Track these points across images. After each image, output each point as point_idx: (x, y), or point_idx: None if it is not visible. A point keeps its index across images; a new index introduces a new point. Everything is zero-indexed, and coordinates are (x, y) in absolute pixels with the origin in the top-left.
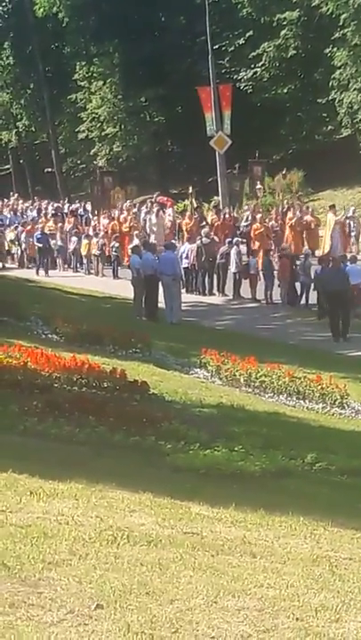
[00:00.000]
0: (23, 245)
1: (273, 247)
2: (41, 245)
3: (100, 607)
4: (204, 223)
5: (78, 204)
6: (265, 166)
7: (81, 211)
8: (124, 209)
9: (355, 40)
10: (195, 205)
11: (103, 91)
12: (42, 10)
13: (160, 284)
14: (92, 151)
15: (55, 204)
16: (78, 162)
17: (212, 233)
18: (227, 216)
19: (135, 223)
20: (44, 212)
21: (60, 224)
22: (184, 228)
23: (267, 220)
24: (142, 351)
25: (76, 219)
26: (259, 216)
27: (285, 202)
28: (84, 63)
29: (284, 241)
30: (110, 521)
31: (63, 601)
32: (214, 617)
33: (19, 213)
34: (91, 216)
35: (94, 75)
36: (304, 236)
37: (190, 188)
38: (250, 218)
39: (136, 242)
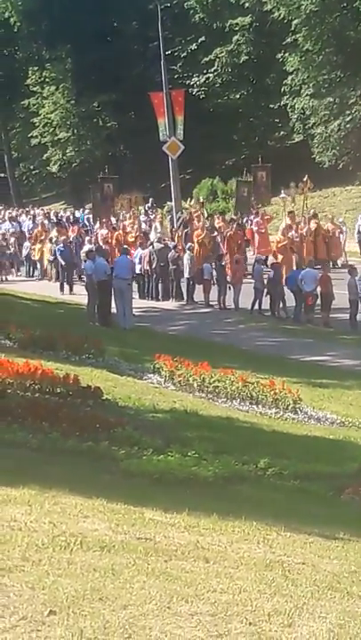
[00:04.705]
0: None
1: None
2: (64, 261)
3: (53, 613)
4: (216, 233)
5: (67, 213)
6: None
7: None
8: (126, 218)
9: (306, 45)
10: (205, 215)
11: (56, 96)
12: None
13: (112, 289)
14: (45, 156)
15: (54, 212)
16: (31, 167)
17: (225, 245)
18: (235, 225)
19: (140, 233)
20: (41, 220)
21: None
22: (195, 240)
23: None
24: (95, 357)
25: (80, 228)
26: (283, 227)
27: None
28: (36, 68)
29: (303, 252)
30: (63, 527)
31: (16, 607)
32: (167, 622)
33: (14, 222)
34: (87, 224)
35: (47, 80)
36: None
37: (200, 197)
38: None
39: (89, 247)
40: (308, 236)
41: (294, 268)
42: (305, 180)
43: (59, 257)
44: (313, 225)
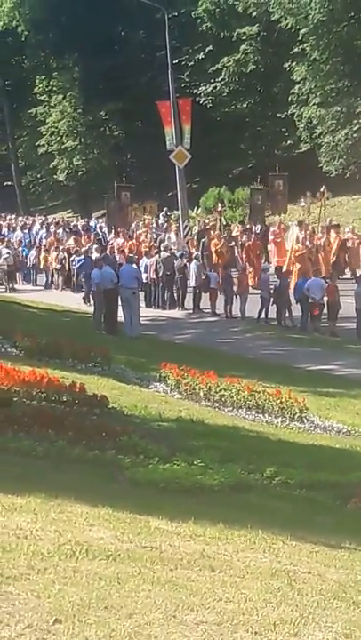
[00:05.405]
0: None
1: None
2: (84, 272)
3: (59, 622)
4: (233, 243)
5: (81, 222)
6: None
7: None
8: (139, 227)
9: (314, 55)
10: (223, 223)
11: (63, 104)
12: (1, 23)
13: (119, 297)
14: (52, 164)
15: (66, 221)
16: (38, 175)
17: (244, 255)
18: (252, 235)
19: (153, 243)
20: (54, 229)
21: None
22: (213, 249)
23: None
24: (102, 365)
25: (95, 237)
26: (301, 236)
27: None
28: (43, 77)
29: (320, 261)
30: (69, 535)
31: (21, 615)
32: (173, 631)
33: (25, 230)
34: (100, 232)
35: (54, 88)
36: (347, 255)
37: (218, 205)
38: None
39: (96, 255)
40: (327, 246)
41: (311, 277)
42: (322, 190)
43: (75, 268)
44: (333, 235)
